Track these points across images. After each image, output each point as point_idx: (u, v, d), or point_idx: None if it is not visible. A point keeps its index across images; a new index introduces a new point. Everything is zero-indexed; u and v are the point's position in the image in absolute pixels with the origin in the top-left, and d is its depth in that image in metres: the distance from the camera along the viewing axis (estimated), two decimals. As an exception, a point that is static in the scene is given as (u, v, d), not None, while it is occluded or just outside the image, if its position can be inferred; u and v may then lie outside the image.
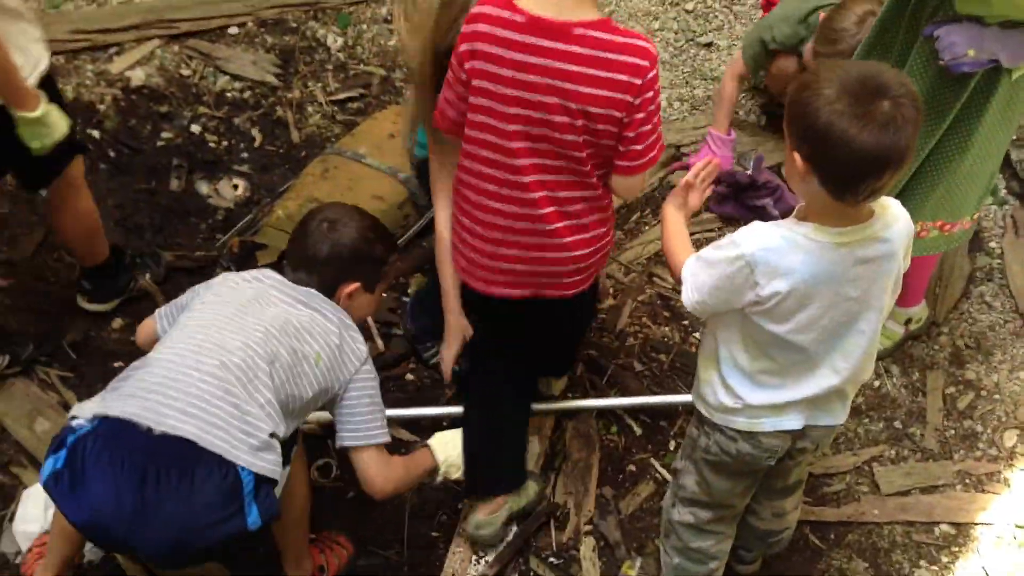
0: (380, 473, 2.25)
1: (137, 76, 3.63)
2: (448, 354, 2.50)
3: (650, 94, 2.03)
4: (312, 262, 2.23)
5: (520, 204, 2.15)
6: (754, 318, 1.87)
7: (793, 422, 1.99)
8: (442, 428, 2.61)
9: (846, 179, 1.69)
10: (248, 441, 1.95)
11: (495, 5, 2.03)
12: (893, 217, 1.83)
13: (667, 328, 3.00)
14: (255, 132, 3.55)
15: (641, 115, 2.04)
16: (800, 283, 1.79)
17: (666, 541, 2.35)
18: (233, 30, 3.88)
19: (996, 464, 2.72)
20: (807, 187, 1.74)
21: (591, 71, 1.99)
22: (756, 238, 1.81)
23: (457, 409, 2.66)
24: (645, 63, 2.00)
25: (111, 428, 1.94)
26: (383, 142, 3.22)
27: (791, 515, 2.34)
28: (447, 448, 2.45)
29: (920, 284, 2.84)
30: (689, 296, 1.93)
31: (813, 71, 1.76)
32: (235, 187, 3.38)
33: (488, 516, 2.49)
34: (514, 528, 2.56)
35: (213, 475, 1.91)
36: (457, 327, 2.48)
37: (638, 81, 1.99)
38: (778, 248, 1.79)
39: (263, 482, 1.97)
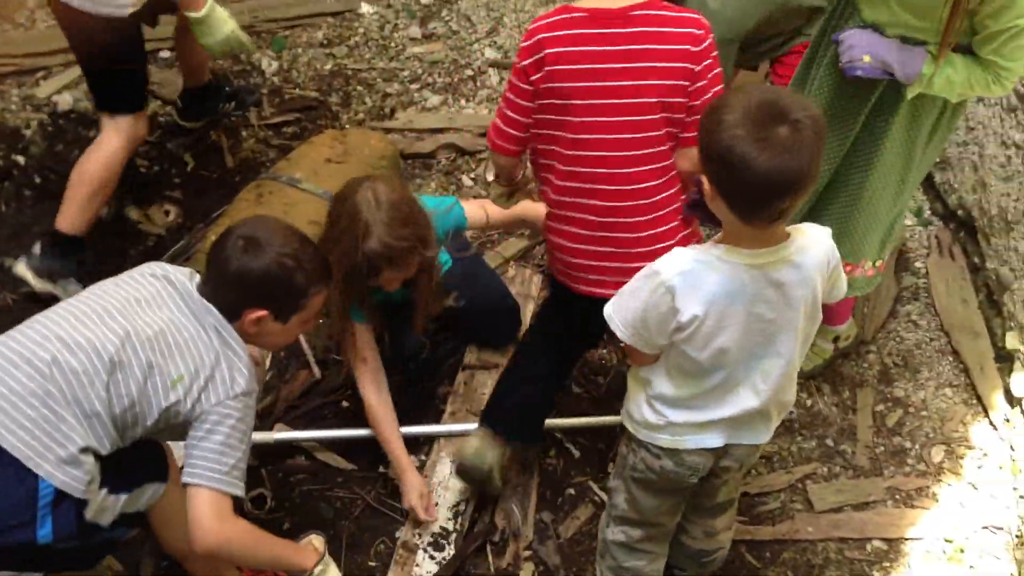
0: (208, 524, 1.98)
1: (64, 100, 3.57)
2: (413, 503, 2.53)
3: (709, 60, 2.17)
4: (218, 279, 2.04)
5: (625, 197, 2.26)
6: (679, 346, 1.90)
7: (715, 440, 2.02)
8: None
9: (748, 202, 1.72)
10: (55, 450, 1.85)
11: (554, 14, 2.19)
12: (810, 242, 1.86)
13: (604, 350, 3.02)
14: (187, 157, 3.50)
15: (703, 82, 2.17)
16: (715, 304, 1.82)
17: (601, 561, 2.37)
18: (165, 54, 3.84)
19: (925, 479, 2.78)
20: (719, 209, 1.78)
21: (657, 46, 2.14)
22: (673, 264, 1.84)
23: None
24: (700, 31, 2.16)
25: None
26: (319, 167, 3.20)
27: (723, 535, 2.36)
28: (330, 569, 2.29)
29: (846, 303, 2.90)
30: (620, 333, 1.95)
31: (721, 96, 1.80)
32: (167, 213, 3.33)
33: (483, 447, 2.51)
34: (497, 483, 2.56)
35: (8, 478, 1.84)
36: (417, 484, 2.54)
37: (697, 48, 2.15)
38: (693, 271, 1.82)
39: (65, 497, 1.87)
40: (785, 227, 1.82)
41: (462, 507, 2.61)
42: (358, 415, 2.82)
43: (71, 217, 2.93)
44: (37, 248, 2.96)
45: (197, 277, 2.09)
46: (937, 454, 2.83)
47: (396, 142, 3.57)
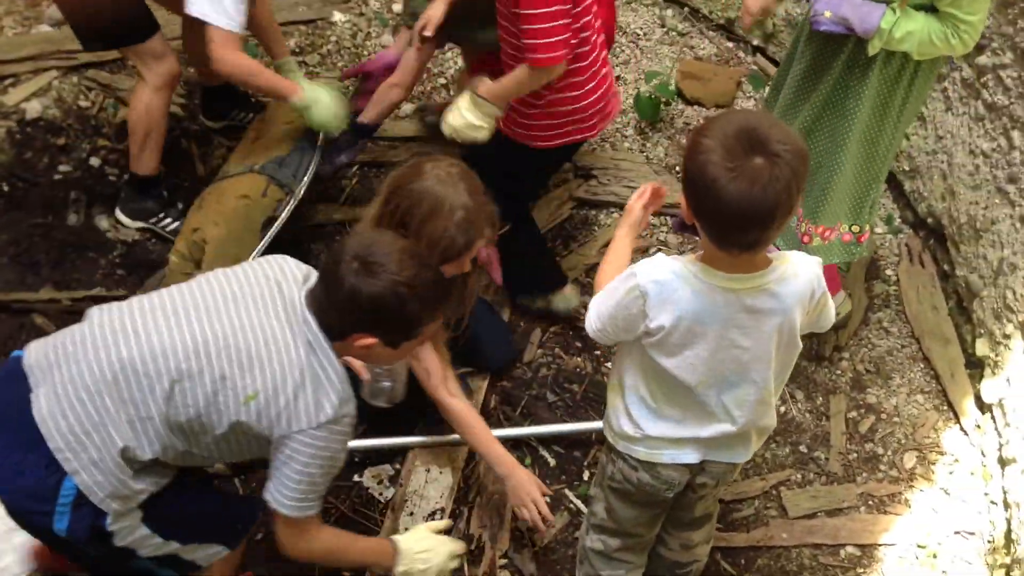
0: (288, 542, 2.03)
1: (33, 108, 3.52)
2: (536, 497, 2.43)
3: None
4: (328, 298, 1.87)
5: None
6: (648, 350, 1.89)
7: (690, 456, 2.02)
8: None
9: (718, 229, 1.70)
10: (89, 451, 1.82)
11: None
12: (793, 272, 1.82)
13: (579, 358, 3.02)
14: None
15: None
16: (684, 319, 1.81)
17: (580, 568, 2.36)
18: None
19: (897, 486, 2.79)
20: (700, 229, 1.76)
21: None
22: (651, 270, 1.83)
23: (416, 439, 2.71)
24: None
25: (11, 368, 1.92)
26: (247, 149, 3.14)
27: (700, 548, 2.35)
28: (413, 560, 2.21)
29: (829, 275, 2.80)
30: (591, 323, 1.96)
31: (709, 118, 1.78)
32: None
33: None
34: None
35: (38, 468, 1.83)
36: (534, 480, 2.45)
37: None
38: (668, 282, 1.80)
39: (86, 501, 1.84)
40: (766, 254, 1.80)
41: (438, 516, 2.59)
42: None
43: (137, 160, 3.14)
44: (123, 193, 3.24)
45: (313, 278, 1.95)
46: (909, 460, 2.85)
47: (368, 151, 3.56)
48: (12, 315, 2.97)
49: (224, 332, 1.85)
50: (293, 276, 1.95)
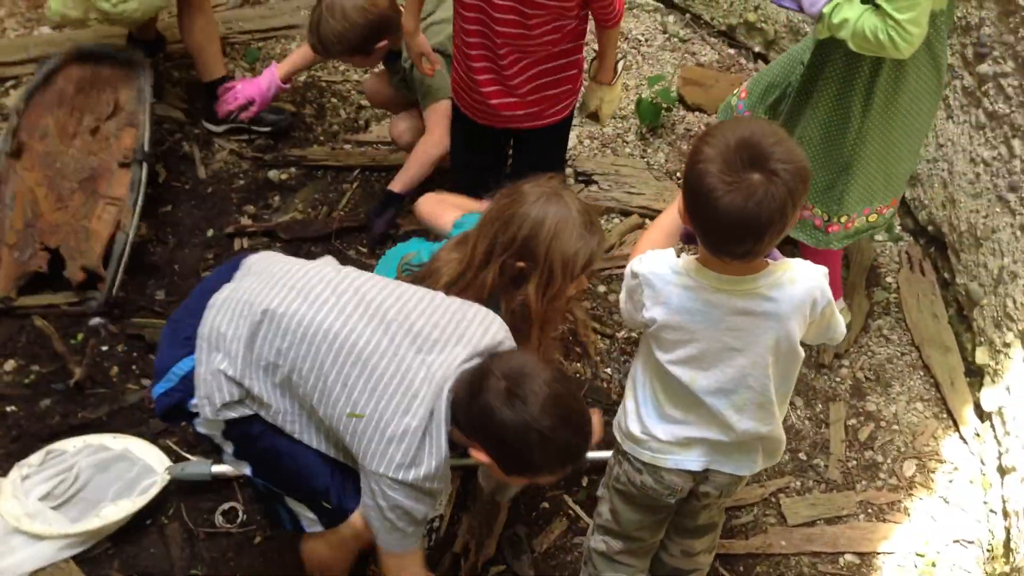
0: (383, 565, 2.07)
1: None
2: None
3: None
4: (468, 393, 1.83)
5: None
6: (651, 344, 1.93)
7: (694, 462, 2.02)
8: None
9: (711, 238, 1.72)
10: (214, 358, 1.95)
11: None
12: (788, 279, 1.81)
13: (579, 364, 3.02)
14: (160, 167, 3.46)
15: None
16: (674, 315, 1.84)
17: (584, 569, 2.37)
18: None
19: (896, 494, 2.79)
20: (695, 233, 1.78)
21: None
22: (651, 262, 1.87)
23: None
24: None
25: (238, 258, 2.11)
26: None
27: (702, 557, 2.35)
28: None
29: (832, 279, 2.81)
30: (622, 306, 2.02)
31: (714, 125, 1.79)
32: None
33: None
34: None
35: (180, 342, 2.02)
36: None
37: None
38: (663, 276, 1.84)
39: (184, 387, 1.99)
40: (764, 259, 1.80)
41: (437, 522, 2.58)
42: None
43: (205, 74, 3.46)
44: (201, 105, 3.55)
45: (488, 338, 1.92)
46: (909, 468, 2.85)
47: (369, 155, 3.57)
48: (13, 318, 2.97)
49: (373, 347, 1.86)
50: (478, 338, 1.91)
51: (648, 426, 2.01)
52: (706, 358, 1.88)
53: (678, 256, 1.89)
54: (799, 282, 1.82)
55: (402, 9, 2.80)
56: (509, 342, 1.97)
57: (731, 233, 1.66)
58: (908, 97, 2.55)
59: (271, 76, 3.34)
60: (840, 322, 1.94)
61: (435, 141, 3.04)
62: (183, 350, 2.00)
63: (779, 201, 1.61)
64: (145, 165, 3.16)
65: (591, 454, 2.72)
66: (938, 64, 2.53)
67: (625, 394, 2.10)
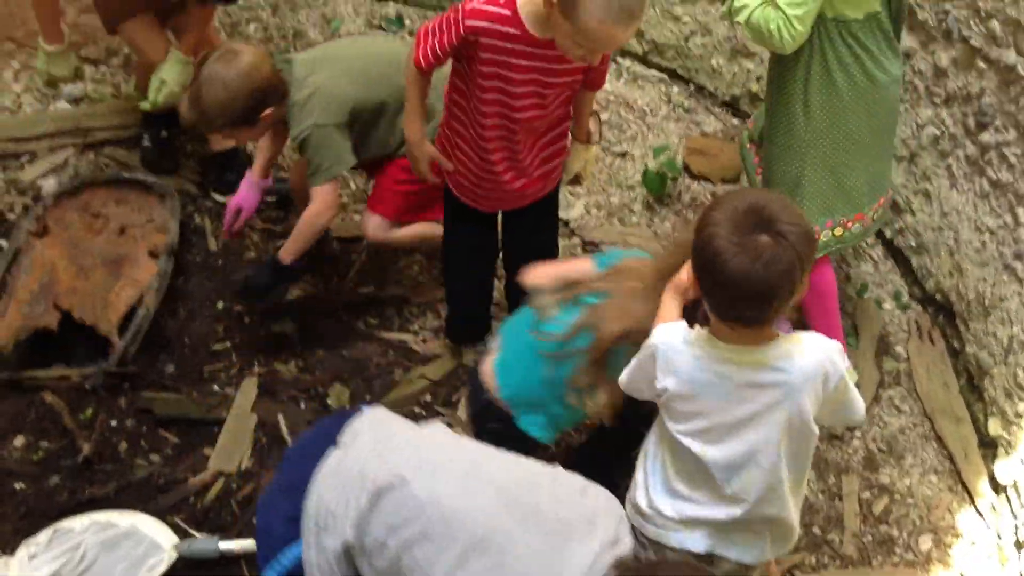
0: None
1: (49, 184, 3.56)
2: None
3: None
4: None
5: None
6: (663, 414, 1.93)
7: (698, 543, 1.99)
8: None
9: (719, 302, 1.74)
10: (323, 536, 1.82)
11: None
12: (798, 351, 1.81)
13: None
14: (171, 240, 3.49)
15: None
16: (685, 385, 1.84)
17: None
18: (150, 138, 3.85)
19: (913, 569, 2.75)
20: (704, 301, 1.80)
21: None
22: (664, 333, 1.88)
23: None
24: None
25: (343, 416, 1.98)
26: None
27: None
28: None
29: (830, 324, 2.88)
30: (622, 377, 2.00)
31: (722, 194, 1.82)
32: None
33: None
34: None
35: (283, 514, 1.90)
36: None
37: None
38: (675, 346, 1.85)
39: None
40: (774, 331, 1.81)
41: None
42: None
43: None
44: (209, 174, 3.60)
45: (623, 546, 1.76)
46: (925, 543, 2.81)
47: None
48: (22, 393, 2.98)
49: (500, 531, 1.70)
50: (607, 530, 1.76)
51: (654, 500, 2.00)
52: (716, 431, 1.87)
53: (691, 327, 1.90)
54: (809, 354, 1.82)
55: (285, 78, 2.80)
56: (627, 537, 1.81)
57: (739, 296, 1.67)
58: (842, 109, 2.63)
59: (248, 180, 3.19)
60: (858, 401, 1.92)
61: (320, 211, 2.87)
62: (290, 532, 1.86)
63: (787, 262, 1.63)
64: (173, 257, 3.21)
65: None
66: (869, 73, 2.61)
67: (636, 466, 2.09)
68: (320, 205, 2.85)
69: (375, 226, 3.07)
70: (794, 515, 2.01)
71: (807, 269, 1.69)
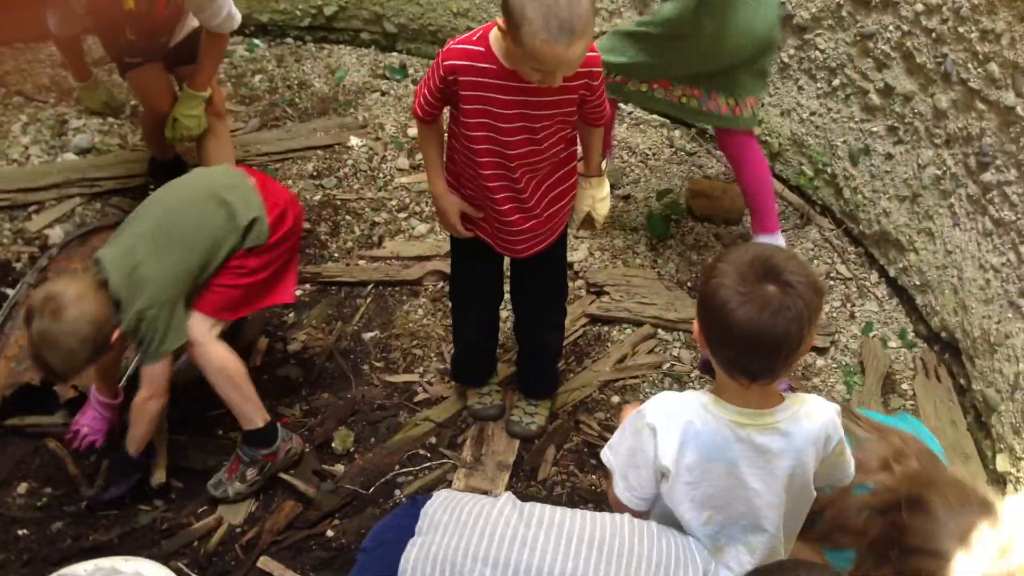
0: None
1: (55, 234, 3.60)
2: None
3: None
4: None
5: None
6: (665, 501, 1.85)
7: None
8: None
9: (725, 355, 1.69)
10: None
11: None
12: (807, 412, 1.77)
13: (594, 476, 2.98)
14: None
15: None
16: (692, 451, 1.77)
17: None
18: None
19: (925, 608, 2.71)
20: (712, 358, 1.75)
21: None
22: (658, 405, 1.81)
23: None
24: None
25: (414, 505, 1.96)
26: None
27: None
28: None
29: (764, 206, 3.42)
30: (620, 491, 1.90)
31: (727, 249, 1.79)
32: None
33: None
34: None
35: None
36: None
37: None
38: (676, 413, 1.78)
39: None
40: (780, 393, 1.78)
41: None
42: (343, 550, 2.76)
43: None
44: None
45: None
46: (937, 581, 2.77)
47: (383, 270, 3.61)
48: (26, 439, 2.97)
49: None
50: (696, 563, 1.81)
51: None
52: (722, 496, 1.81)
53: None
54: (815, 417, 1.78)
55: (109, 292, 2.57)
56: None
57: (746, 347, 1.64)
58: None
59: (94, 397, 2.90)
60: (850, 462, 1.88)
61: (151, 395, 2.69)
62: None
63: (795, 312, 1.60)
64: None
65: None
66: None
67: None
68: (152, 390, 2.67)
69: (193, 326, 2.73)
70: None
71: (815, 322, 1.66)
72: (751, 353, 1.65)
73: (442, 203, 2.66)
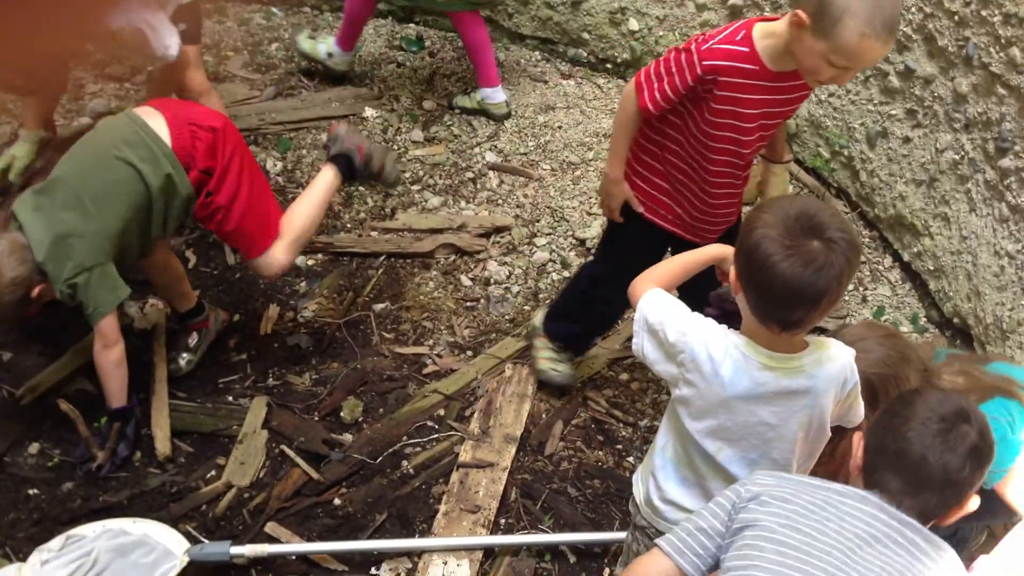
0: None
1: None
2: None
3: None
4: (915, 481, 1.63)
5: None
6: (677, 407, 1.91)
7: None
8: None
9: (764, 305, 1.73)
10: None
11: None
12: (827, 357, 1.83)
13: (601, 452, 2.99)
14: (189, 254, 3.53)
15: None
16: (718, 388, 1.82)
17: None
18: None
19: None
20: (741, 303, 1.80)
21: None
22: (703, 334, 1.84)
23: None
24: None
25: None
26: None
27: None
28: None
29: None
30: (645, 350, 1.94)
31: (768, 200, 1.81)
32: (164, 306, 3.33)
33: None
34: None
35: None
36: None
37: None
38: (715, 348, 1.82)
39: None
40: (804, 337, 1.82)
41: (455, 614, 2.54)
42: (349, 517, 2.78)
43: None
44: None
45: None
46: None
47: (395, 242, 3.62)
48: (38, 400, 3.00)
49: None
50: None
51: (667, 492, 1.99)
52: (735, 428, 1.86)
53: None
54: (836, 359, 1.84)
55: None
56: None
57: (787, 300, 1.68)
58: None
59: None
60: (860, 406, 1.95)
61: (106, 346, 2.73)
62: None
63: (838, 269, 1.65)
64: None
65: (608, 536, 2.70)
66: None
67: (644, 462, 2.09)
68: (104, 340, 2.71)
69: (280, 254, 2.93)
70: None
71: (852, 278, 1.72)
72: (791, 306, 1.69)
73: (614, 188, 2.62)
